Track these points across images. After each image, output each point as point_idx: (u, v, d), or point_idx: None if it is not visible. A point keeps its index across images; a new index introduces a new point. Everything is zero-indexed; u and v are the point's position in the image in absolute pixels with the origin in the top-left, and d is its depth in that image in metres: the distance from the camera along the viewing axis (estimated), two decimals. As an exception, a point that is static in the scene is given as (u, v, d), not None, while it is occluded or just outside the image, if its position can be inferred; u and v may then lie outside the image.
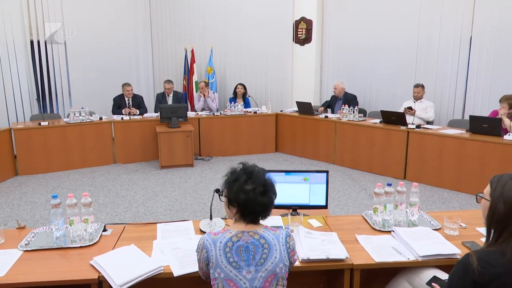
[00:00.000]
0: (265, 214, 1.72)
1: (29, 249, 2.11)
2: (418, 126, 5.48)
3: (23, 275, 1.89)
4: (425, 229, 2.30)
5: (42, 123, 5.96)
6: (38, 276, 1.88)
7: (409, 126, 5.49)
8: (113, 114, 6.74)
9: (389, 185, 2.46)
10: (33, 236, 2.26)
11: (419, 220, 2.45)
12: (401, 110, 5.93)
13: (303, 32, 7.44)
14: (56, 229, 2.21)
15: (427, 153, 5.27)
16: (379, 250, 2.11)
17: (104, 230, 2.33)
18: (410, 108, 5.85)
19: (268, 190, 1.70)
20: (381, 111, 5.89)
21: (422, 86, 5.94)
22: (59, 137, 5.97)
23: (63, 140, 5.99)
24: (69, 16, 7.28)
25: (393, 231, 2.28)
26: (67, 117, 6.38)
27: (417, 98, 5.93)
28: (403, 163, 5.50)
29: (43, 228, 2.36)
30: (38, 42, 7.07)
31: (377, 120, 6.00)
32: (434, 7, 6.13)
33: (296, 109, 6.95)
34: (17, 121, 6.76)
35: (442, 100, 6.26)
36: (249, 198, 1.66)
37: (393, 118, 5.67)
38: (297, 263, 1.94)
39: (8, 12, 6.58)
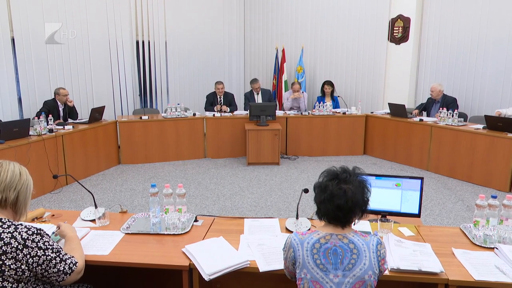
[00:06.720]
0: (340, 221, 1.64)
1: (129, 232, 2.30)
2: (529, 134, 4.93)
3: (124, 255, 2.06)
4: (536, 250, 2.05)
5: (143, 117, 6.47)
6: (136, 258, 2.04)
7: (519, 133, 4.96)
8: (206, 110, 7.08)
9: (494, 197, 2.25)
10: (133, 221, 2.46)
11: (529, 239, 2.20)
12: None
13: (399, 31, 7.09)
14: (153, 216, 2.38)
15: (540, 164, 4.72)
16: (479, 268, 1.93)
17: (196, 220, 2.45)
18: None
19: (348, 201, 1.59)
20: (485, 116, 5.41)
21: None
22: (156, 131, 6.42)
23: (160, 133, 6.44)
24: (170, 18, 7.77)
25: (497, 248, 2.08)
26: (165, 112, 6.83)
27: (529, 102, 5.33)
28: (510, 174, 4.97)
29: (142, 214, 2.55)
30: (143, 42, 7.66)
31: (480, 126, 5.51)
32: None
33: (388, 111, 6.66)
34: (122, 114, 7.42)
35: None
36: (321, 198, 1.64)
37: (500, 124, 5.17)
38: (386, 272, 1.86)
39: (119, 15, 7.23)
